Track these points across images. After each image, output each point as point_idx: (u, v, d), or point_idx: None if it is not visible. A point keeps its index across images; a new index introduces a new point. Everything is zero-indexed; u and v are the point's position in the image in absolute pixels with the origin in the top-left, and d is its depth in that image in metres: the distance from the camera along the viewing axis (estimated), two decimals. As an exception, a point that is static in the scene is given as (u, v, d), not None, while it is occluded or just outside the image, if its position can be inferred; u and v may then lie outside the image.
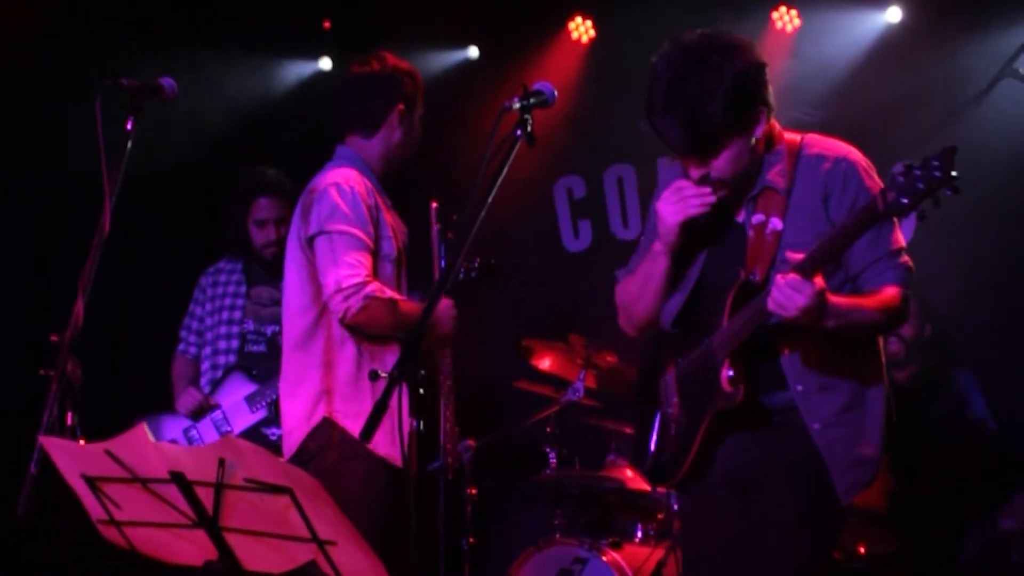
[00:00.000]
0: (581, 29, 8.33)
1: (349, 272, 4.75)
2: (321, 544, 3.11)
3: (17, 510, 3.56)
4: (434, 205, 5.61)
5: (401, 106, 5.15)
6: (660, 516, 6.49)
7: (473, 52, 8.65)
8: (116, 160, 3.96)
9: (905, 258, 3.97)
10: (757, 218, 3.95)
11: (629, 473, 6.61)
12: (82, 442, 3.53)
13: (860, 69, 7.62)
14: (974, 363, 7.00)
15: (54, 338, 3.87)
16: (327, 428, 4.79)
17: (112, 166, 3.93)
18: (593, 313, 8.09)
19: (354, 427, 4.71)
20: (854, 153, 4.01)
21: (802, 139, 4.05)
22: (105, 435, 3.21)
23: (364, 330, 4.80)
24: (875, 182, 3.94)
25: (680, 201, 3.97)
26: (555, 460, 6.76)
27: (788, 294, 3.59)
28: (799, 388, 3.90)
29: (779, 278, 3.62)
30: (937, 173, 3.35)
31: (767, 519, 3.96)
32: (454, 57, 8.67)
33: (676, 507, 5.93)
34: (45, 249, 7.81)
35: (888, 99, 7.43)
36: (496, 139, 3.63)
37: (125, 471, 3.18)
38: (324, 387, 4.83)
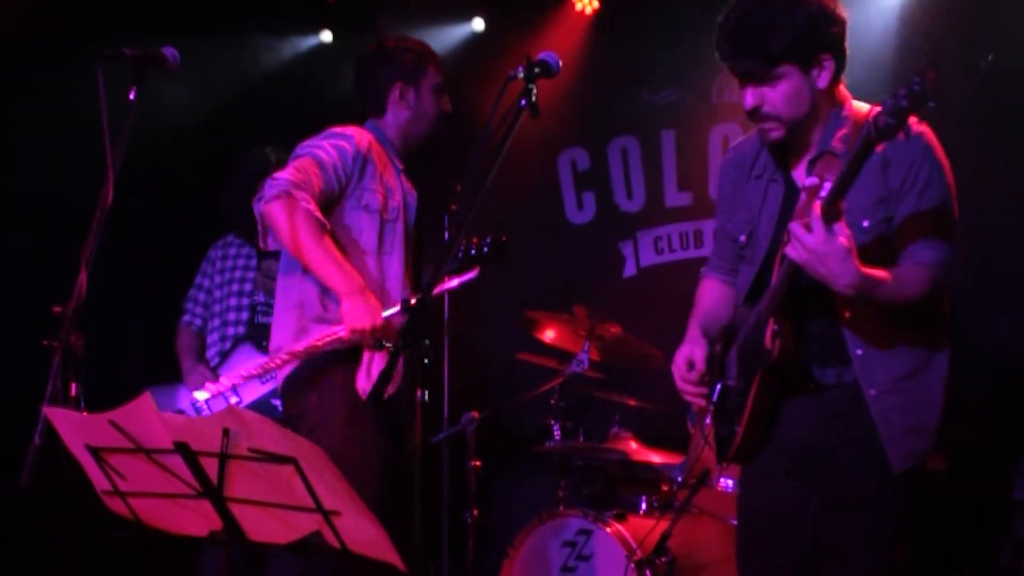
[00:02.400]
0: (585, 0, 8.31)
1: (291, 173, 4.81)
2: (326, 514, 3.11)
3: (21, 481, 3.55)
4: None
5: (399, 84, 5.15)
6: (664, 488, 6.49)
7: (478, 24, 8.63)
8: (119, 132, 3.95)
9: (947, 242, 3.89)
10: (811, 180, 3.87)
11: (633, 445, 6.61)
12: (85, 413, 3.52)
13: (880, 41, 7.57)
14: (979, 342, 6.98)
15: (57, 309, 3.86)
16: None
17: (115, 138, 3.92)
18: (597, 285, 8.13)
19: None
20: (929, 133, 3.94)
21: (871, 108, 4.00)
22: (108, 406, 3.21)
23: (268, 226, 4.81)
24: (942, 157, 3.91)
25: (675, 380, 4.17)
26: (559, 432, 6.75)
27: (800, 234, 3.59)
28: (859, 352, 3.87)
29: (792, 224, 3.63)
30: (917, 88, 3.39)
31: (834, 498, 3.95)
32: (458, 29, 8.65)
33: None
34: (45, 222, 7.80)
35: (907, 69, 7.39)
36: (500, 109, 3.62)
37: (129, 441, 3.18)
38: (299, 326, 4.92)
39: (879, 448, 3.87)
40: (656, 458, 6.48)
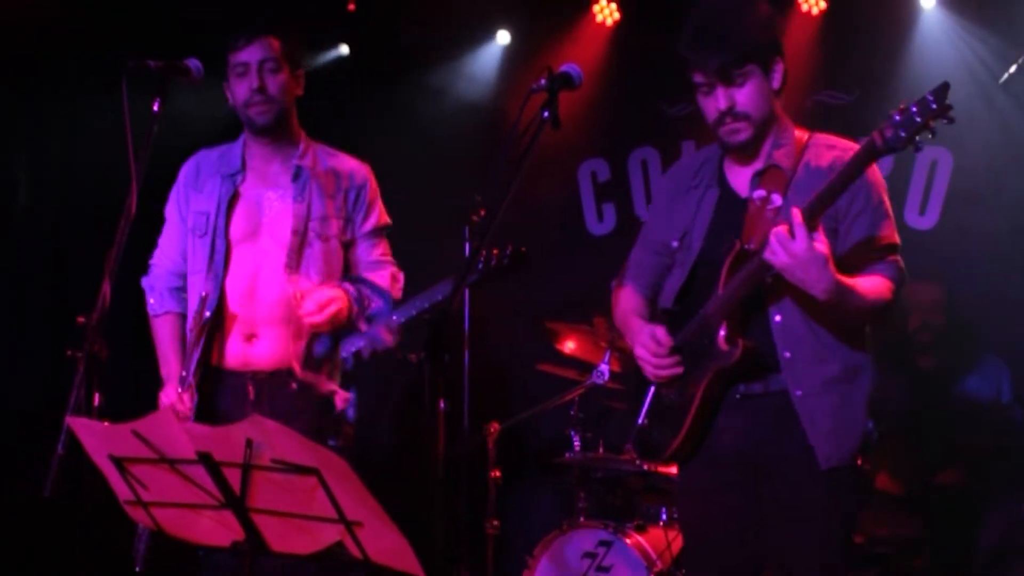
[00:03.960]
0: (606, 12, 8.32)
1: None
2: (348, 524, 3.11)
3: (44, 491, 3.56)
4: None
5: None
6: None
7: (503, 38, 8.63)
8: (142, 142, 3.96)
9: (897, 256, 4.05)
10: (759, 193, 4.06)
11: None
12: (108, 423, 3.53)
13: (889, 51, 7.60)
14: (1003, 349, 6.98)
15: (81, 319, 3.88)
16: None
17: (138, 149, 3.93)
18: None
19: None
20: None
21: (811, 134, 4.17)
22: (130, 416, 3.22)
23: None
24: (879, 176, 4.06)
25: (647, 360, 4.15)
26: (579, 443, 6.75)
27: (784, 240, 3.69)
28: (787, 355, 3.97)
29: (772, 232, 3.72)
30: (933, 105, 3.51)
31: (771, 503, 4.03)
32: (483, 42, 8.66)
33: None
34: (65, 231, 7.83)
35: (916, 83, 7.40)
36: (522, 122, 3.63)
37: (152, 451, 3.19)
38: None
39: (808, 448, 3.96)
40: (676, 469, 6.47)
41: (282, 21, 4.77)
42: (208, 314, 4.70)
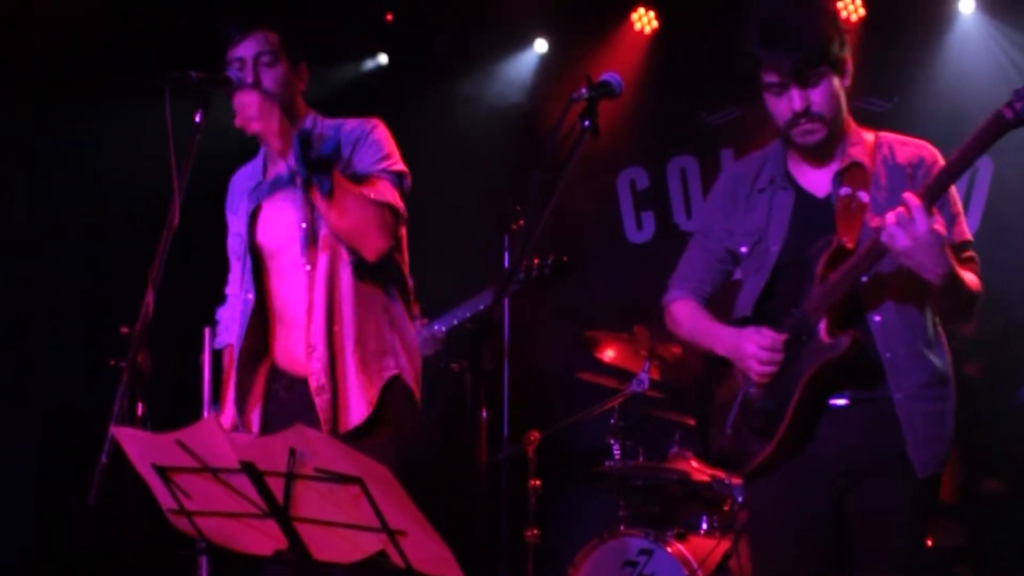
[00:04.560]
0: (644, 20, 8.33)
1: None
2: (391, 534, 3.11)
3: (89, 500, 3.58)
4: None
5: None
6: (725, 508, 6.47)
7: (541, 46, 8.65)
8: (184, 154, 3.98)
9: (973, 253, 4.05)
10: (844, 191, 4.02)
11: (694, 464, 6.60)
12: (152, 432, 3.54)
13: (928, 57, 7.57)
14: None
15: (124, 330, 3.90)
16: None
17: (180, 160, 3.95)
18: (658, 305, 8.10)
19: None
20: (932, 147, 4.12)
21: (876, 134, 4.16)
22: (173, 426, 3.23)
23: None
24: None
25: (759, 357, 4.03)
26: (619, 451, 6.76)
27: (905, 221, 3.64)
28: (888, 355, 3.93)
29: (890, 215, 3.67)
30: None
31: (867, 509, 3.99)
32: (521, 50, 8.68)
33: (743, 493, 5.91)
34: (106, 243, 7.87)
35: (955, 89, 7.38)
36: (561, 130, 3.64)
37: (196, 461, 3.20)
38: None
39: (904, 456, 3.93)
40: (717, 478, 6.46)
41: (280, 14, 4.65)
42: (237, 340, 4.63)
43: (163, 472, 3.29)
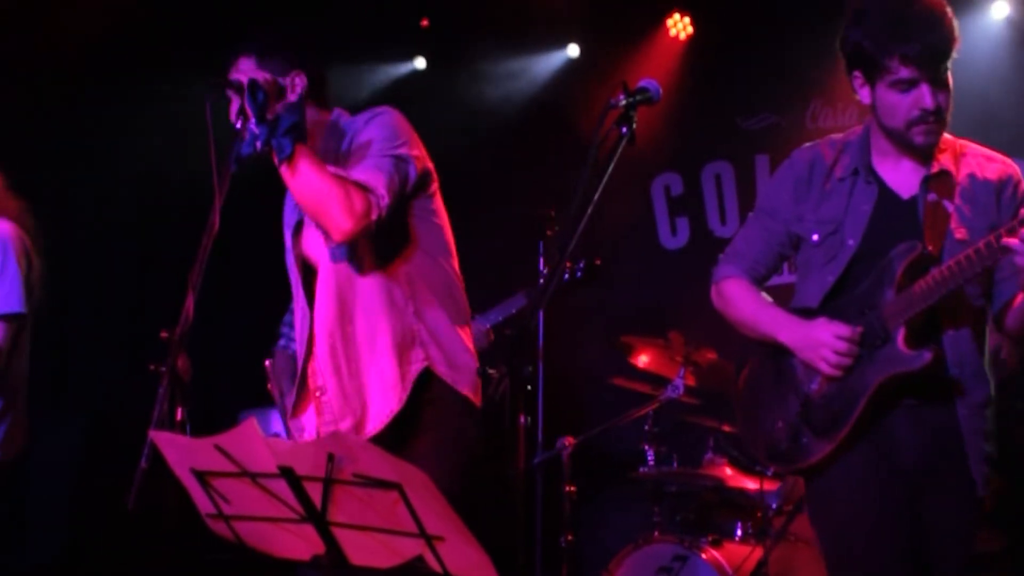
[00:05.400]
0: (679, 26, 8.33)
1: None
2: (429, 539, 3.11)
3: (128, 504, 3.59)
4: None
5: None
6: (759, 514, 6.46)
7: (573, 51, 8.66)
8: (224, 159, 3.99)
9: None
10: (932, 197, 3.98)
11: (728, 471, 6.59)
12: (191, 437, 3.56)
13: (966, 66, 7.54)
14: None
15: (164, 334, 3.91)
16: None
17: (220, 165, 3.96)
18: (692, 310, 8.07)
19: None
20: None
21: (960, 143, 4.11)
22: (212, 430, 3.25)
23: None
24: None
25: (834, 347, 3.97)
26: (653, 458, 6.75)
27: None
28: (955, 372, 3.91)
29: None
30: None
31: (934, 521, 3.98)
32: (554, 56, 8.69)
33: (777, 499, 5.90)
34: (147, 246, 7.92)
35: (989, 92, 7.36)
36: (598, 136, 3.63)
37: (234, 465, 3.21)
38: None
39: (967, 471, 3.93)
40: (751, 484, 6.45)
41: (255, 37, 4.50)
42: (300, 357, 4.58)
43: (202, 476, 3.30)
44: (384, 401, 4.34)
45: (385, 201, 4.20)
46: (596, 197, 3.57)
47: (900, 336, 3.87)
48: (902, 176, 4.06)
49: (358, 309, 4.37)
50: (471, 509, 3.26)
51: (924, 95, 3.88)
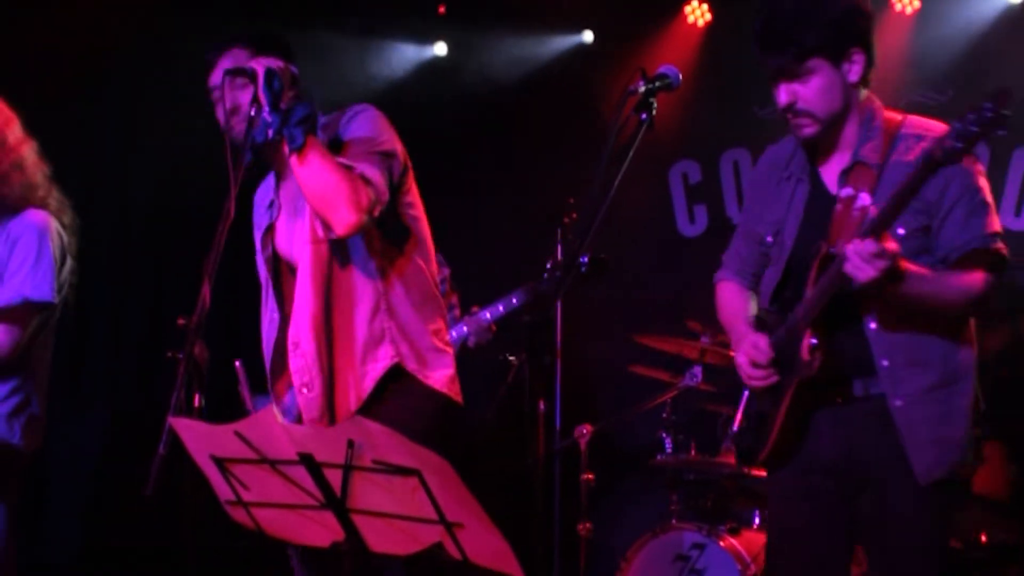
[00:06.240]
0: (697, 13, 8.31)
1: None
2: (448, 526, 3.11)
3: (146, 491, 3.59)
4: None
5: None
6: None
7: (588, 36, 8.65)
8: (240, 147, 3.99)
9: (999, 244, 3.91)
10: (846, 191, 3.96)
11: (747, 458, 6.58)
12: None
13: (983, 50, 7.53)
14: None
15: (181, 321, 3.91)
16: None
17: (236, 153, 3.96)
18: (710, 298, 8.08)
19: None
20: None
21: (903, 119, 4.04)
22: (229, 418, 3.24)
23: None
24: (975, 163, 3.93)
25: (745, 368, 4.07)
26: (671, 445, 6.74)
27: (857, 263, 3.62)
28: (884, 363, 3.88)
29: (850, 247, 3.64)
30: (989, 114, 3.42)
31: (869, 514, 3.97)
32: (568, 41, 8.68)
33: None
34: (164, 234, 7.92)
35: (1010, 81, 7.33)
36: (617, 123, 3.62)
37: (254, 452, 3.21)
38: None
39: (905, 461, 3.87)
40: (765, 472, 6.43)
41: (248, 29, 4.46)
42: (267, 361, 4.58)
43: (221, 463, 3.31)
44: (353, 397, 4.35)
45: (385, 196, 4.24)
46: (616, 184, 3.56)
47: (804, 339, 3.88)
48: (831, 171, 4.07)
49: (337, 305, 4.37)
50: (487, 495, 3.23)
51: (779, 94, 3.98)
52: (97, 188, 7.78)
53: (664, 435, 6.77)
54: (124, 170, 7.80)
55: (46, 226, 4.90)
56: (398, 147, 4.39)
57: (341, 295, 4.37)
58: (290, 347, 4.39)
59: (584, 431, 6.54)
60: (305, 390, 4.36)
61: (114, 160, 7.78)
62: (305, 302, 4.36)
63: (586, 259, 5.44)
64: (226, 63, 4.33)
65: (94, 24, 7.48)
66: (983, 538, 6.14)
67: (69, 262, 4.97)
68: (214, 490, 3.43)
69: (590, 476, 6.60)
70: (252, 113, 4.06)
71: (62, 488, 7.36)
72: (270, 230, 4.56)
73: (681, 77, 3.76)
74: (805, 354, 3.87)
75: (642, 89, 3.68)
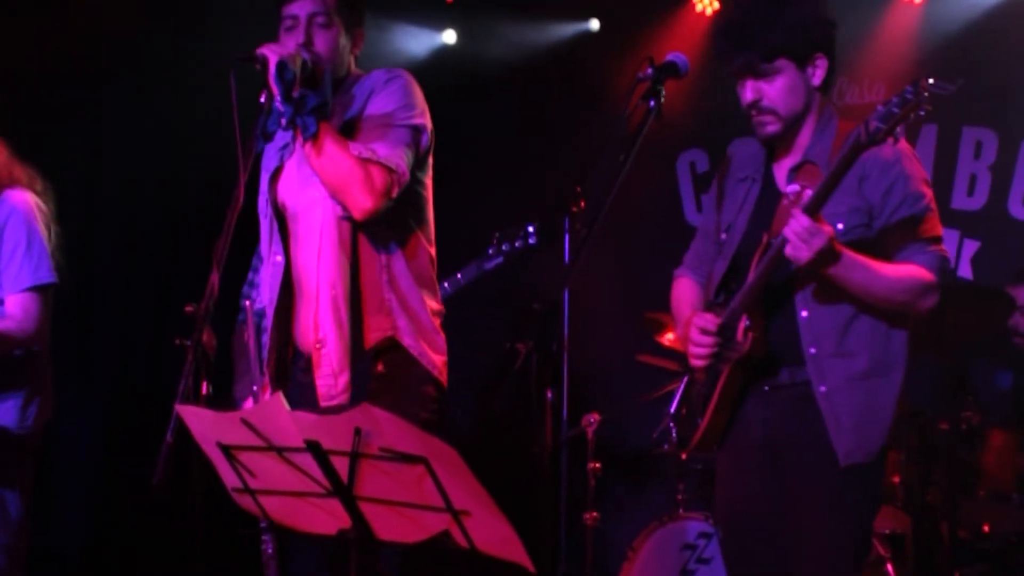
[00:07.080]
0: (706, 1, 8.28)
1: None
2: (455, 514, 3.11)
3: (153, 479, 3.59)
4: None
5: None
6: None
7: (595, 25, 8.64)
8: (249, 134, 3.98)
9: (939, 247, 4.05)
10: (792, 188, 4.09)
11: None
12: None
13: (991, 38, 7.51)
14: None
15: (189, 308, 3.91)
16: None
17: (245, 140, 3.95)
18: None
19: None
20: (907, 149, 4.11)
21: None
22: (236, 405, 3.24)
23: None
24: (919, 169, 4.08)
25: (693, 341, 4.17)
26: (678, 435, 6.73)
27: (796, 244, 3.78)
28: (812, 351, 4.00)
29: (787, 228, 3.78)
30: (910, 96, 3.56)
31: (791, 495, 4.07)
32: (575, 29, 8.66)
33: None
34: (172, 220, 7.92)
35: (1018, 71, 7.32)
36: (625, 111, 3.63)
37: (261, 439, 3.21)
38: None
39: (828, 443, 3.98)
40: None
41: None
42: (270, 304, 4.50)
43: (227, 450, 3.30)
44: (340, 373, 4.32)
45: (406, 177, 4.25)
46: (625, 170, 3.57)
47: (740, 325, 4.00)
48: (783, 170, 4.20)
49: (344, 274, 4.33)
50: (494, 484, 3.23)
51: (746, 89, 4.14)
52: (104, 174, 7.78)
53: (671, 424, 6.75)
54: (132, 156, 7.77)
55: (28, 206, 4.91)
56: (428, 121, 4.41)
57: (348, 265, 4.34)
58: (313, 324, 4.33)
59: (591, 420, 6.54)
60: (319, 346, 4.30)
61: (122, 145, 7.76)
62: (324, 257, 4.33)
63: (533, 228, 5.42)
64: (305, 5, 4.33)
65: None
66: (987, 528, 6.16)
67: (53, 229, 4.98)
68: (220, 478, 3.43)
69: (597, 465, 6.60)
70: (263, 100, 4.05)
71: (68, 475, 7.36)
72: (277, 172, 4.53)
73: (689, 65, 3.78)
74: (739, 335, 4.00)
75: (650, 76, 3.70)
